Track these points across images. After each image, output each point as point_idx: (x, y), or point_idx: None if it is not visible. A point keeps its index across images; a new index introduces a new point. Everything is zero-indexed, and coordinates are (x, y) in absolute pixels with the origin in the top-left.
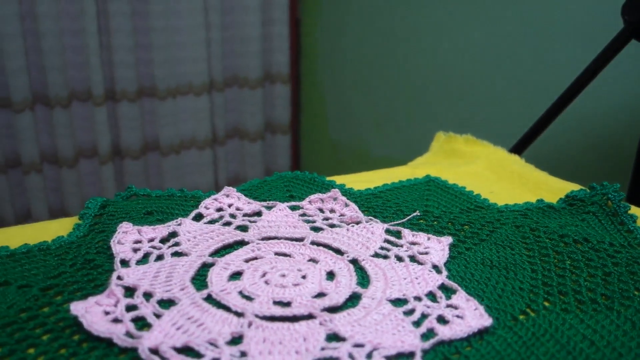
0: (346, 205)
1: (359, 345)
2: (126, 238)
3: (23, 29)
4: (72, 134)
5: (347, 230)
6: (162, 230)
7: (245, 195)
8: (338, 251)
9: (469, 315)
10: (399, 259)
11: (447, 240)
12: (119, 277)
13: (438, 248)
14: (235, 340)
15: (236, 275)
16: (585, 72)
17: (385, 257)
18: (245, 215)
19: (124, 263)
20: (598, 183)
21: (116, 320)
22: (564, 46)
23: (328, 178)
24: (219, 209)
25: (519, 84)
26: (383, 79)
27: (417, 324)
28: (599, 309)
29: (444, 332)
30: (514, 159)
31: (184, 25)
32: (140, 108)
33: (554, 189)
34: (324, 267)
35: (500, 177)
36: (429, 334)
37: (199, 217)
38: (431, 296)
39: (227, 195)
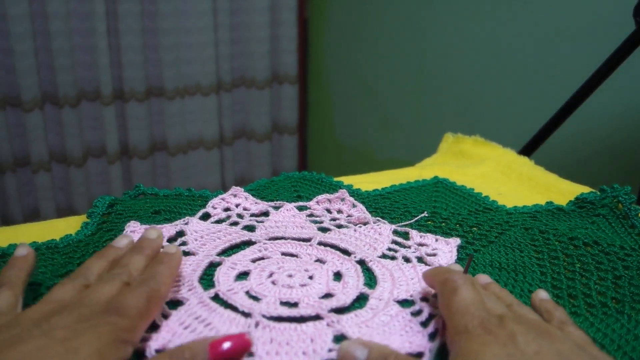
0: (354, 205)
1: None
2: (134, 237)
3: (33, 28)
4: (81, 133)
5: (355, 231)
6: (169, 229)
7: (253, 195)
8: (345, 252)
9: None
10: (407, 260)
11: (456, 241)
12: None
13: (446, 250)
14: None
15: (243, 275)
16: (596, 73)
17: (393, 258)
18: (252, 215)
19: None
20: (608, 185)
21: None
22: (574, 47)
23: (336, 179)
24: (227, 209)
25: (528, 85)
26: (390, 80)
27: (424, 324)
28: (610, 312)
29: None
30: (523, 161)
31: (193, 26)
32: (148, 108)
33: (563, 191)
34: (331, 267)
35: (509, 179)
36: (436, 334)
37: (206, 217)
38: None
39: (235, 195)
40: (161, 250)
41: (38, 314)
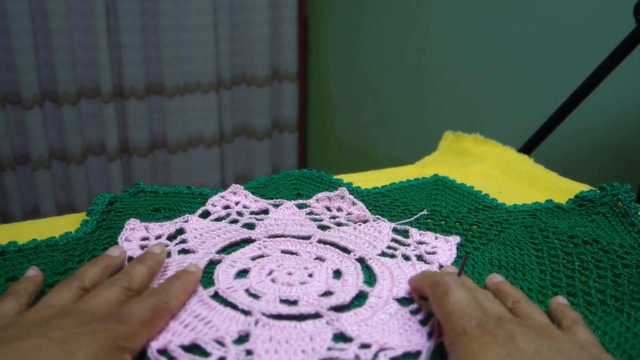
0: (353, 203)
1: (365, 346)
2: (133, 235)
3: (33, 26)
4: (81, 130)
5: (354, 229)
6: (169, 227)
7: (253, 193)
8: (345, 250)
9: None
10: (406, 258)
11: (455, 239)
12: None
13: (446, 248)
14: (242, 338)
15: (243, 273)
16: (596, 72)
17: (392, 256)
18: (252, 213)
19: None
20: (608, 184)
21: None
22: (575, 46)
23: (335, 176)
24: (226, 207)
25: (528, 83)
26: (390, 78)
27: (423, 322)
28: (609, 310)
29: None
30: (523, 159)
31: (193, 24)
32: (149, 106)
33: (563, 189)
34: (330, 265)
35: (509, 177)
36: (435, 333)
37: (206, 215)
38: None
39: (235, 193)
40: (183, 267)
41: (38, 316)
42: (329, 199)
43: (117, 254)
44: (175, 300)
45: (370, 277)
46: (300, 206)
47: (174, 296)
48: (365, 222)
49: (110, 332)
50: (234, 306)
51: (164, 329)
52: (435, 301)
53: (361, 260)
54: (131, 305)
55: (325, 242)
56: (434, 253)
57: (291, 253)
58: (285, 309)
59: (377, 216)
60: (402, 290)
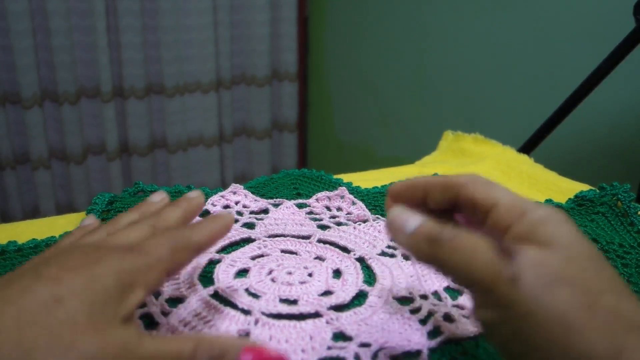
0: (353, 203)
1: (365, 345)
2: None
3: (33, 26)
4: (81, 130)
5: (354, 228)
6: None
7: (252, 192)
8: (345, 249)
9: None
10: (406, 257)
11: None
12: None
13: None
14: (242, 337)
15: (242, 273)
16: (596, 71)
17: (392, 255)
18: (252, 212)
19: None
20: (608, 183)
21: None
22: (574, 45)
23: (335, 176)
24: (226, 206)
25: (528, 83)
26: (390, 78)
27: (423, 322)
28: None
29: (451, 330)
30: (523, 159)
31: (193, 24)
32: (148, 105)
33: (563, 189)
34: (330, 265)
35: (509, 177)
36: (435, 332)
37: (205, 214)
38: (438, 295)
39: (234, 193)
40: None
41: (51, 253)
42: (329, 198)
43: (158, 199)
44: (203, 238)
45: (370, 277)
46: (300, 206)
47: (199, 232)
48: (365, 221)
49: (118, 261)
50: (233, 305)
51: (163, 327)
52: (475, 189)
53: (361, 259)
54: (147, 238)
55: (325, 242)
56: None
57: (291, 252)
58: (285, 309)
59: (377, 216)
60: (402, 289)
